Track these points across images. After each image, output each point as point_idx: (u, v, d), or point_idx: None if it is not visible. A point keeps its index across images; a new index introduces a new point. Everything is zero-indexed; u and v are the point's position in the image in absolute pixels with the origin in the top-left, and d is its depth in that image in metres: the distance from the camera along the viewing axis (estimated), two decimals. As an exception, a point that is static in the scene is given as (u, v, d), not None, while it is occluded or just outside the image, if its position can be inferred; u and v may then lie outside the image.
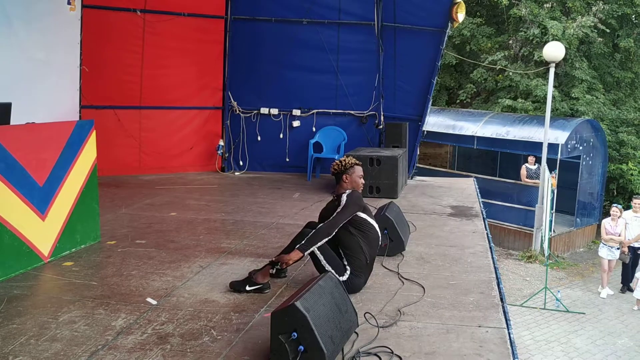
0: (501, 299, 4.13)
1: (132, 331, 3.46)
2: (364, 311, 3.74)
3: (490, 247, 5.44)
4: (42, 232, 4.66)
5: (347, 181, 4.28)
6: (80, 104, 8.09)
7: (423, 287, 4.29)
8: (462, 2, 7.68)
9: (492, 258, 5.12)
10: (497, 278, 4.58)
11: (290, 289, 4.24)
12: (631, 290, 10.05)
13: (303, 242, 3.99)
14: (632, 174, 14.57)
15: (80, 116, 8.02)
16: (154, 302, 3.93)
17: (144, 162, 9.12)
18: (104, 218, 5.67)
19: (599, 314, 9.43)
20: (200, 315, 3.71)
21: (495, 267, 4.85)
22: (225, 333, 3.46)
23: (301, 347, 2.93)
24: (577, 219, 13.78)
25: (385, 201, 7.22)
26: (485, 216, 6.76)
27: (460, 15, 7.61)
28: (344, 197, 4.15)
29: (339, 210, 4.10)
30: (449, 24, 8.11)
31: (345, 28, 9.05)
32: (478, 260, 5.03)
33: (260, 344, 3.31)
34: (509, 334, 3.57)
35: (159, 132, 9.16)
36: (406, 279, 4.46)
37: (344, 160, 4.30)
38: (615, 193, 15.67)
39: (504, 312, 3.90)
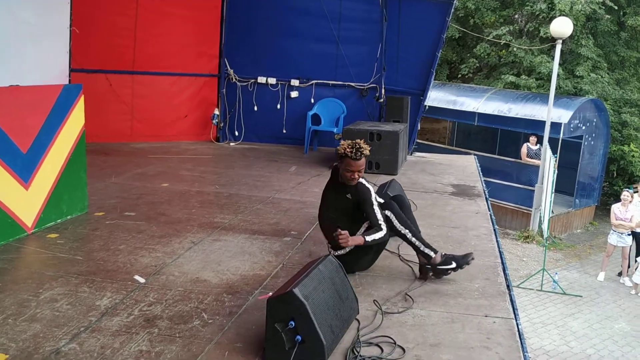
0: (507, 287, 3.94)
1: (117, 312, 3.24)
2: (364, 295, 3.55)
3: (494, 230, 5.24)
4: (25, 201, 4.42)
5: (340, 168, 3.89)
6: (70, 67, 7.77)
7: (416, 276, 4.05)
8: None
9: (497, 241, 4.92)
10: (503, 264, 4.38)
11: (286, 269, 4.04)
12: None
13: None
14: (633, 156, 14.34)
15: (69, 80, 7.71)
16: (142, 280, 3.71)
17: (135, 129, 8.84)
18: (92, 187, 5.41)
19: (596, 297, 9.32)
20: (190, 296, 3.50)
21: (500, 252, 4.65)
22: (217, 317, 3.25)
23: (298, 337, 2.72)
24: (576, 200, 13.60)
25: (384, 177, 7.03)
26: (487, 196, 6.56)
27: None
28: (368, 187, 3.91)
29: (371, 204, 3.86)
30: (456, -6, 7.79)
31: (348, -5, 8.70)
32: (482, 244, 4.83)
33: (255, 330, 3.11)
34: (517, 324, 3.39)
35: (152, 99, 8.85)
36: (408, 261, 4.25)
37: (343, 147, 3.83)
38: (615, 175, 15.48)
39: (512, 301, 3.71)
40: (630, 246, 10.04)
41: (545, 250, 10.13)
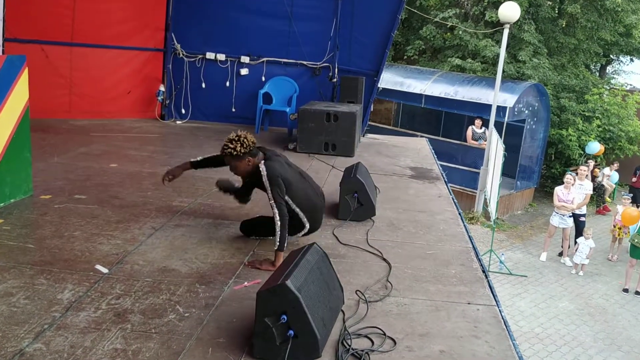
0: (484, 272, 3.91)
1: (83, 306, 2.96)
2: (344, 284, 3.40)
3: (460, 214, 5.22)
4: (-35, 184, 4.00)
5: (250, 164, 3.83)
6: (3, 36, 7.15)
7: (389, 263, 3.89)
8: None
9: (464, 226, 4.91)
10: (474, 249, 4.36)
11: (258, 256, 3.83)
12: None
13: (278, 242, 3.58)
14: (570, 140, 14.83)
15: (2, 50, 7.10)
16: (104, 270, 3.42)
17: (75, 105, 8.29)
18: (34, 167, 4.96)
19: (539, 277, 9.61)
20: (161, 287, 3.25)
21: (469, 237, 4.63)
22: (193, 309, 3.03)
23: (291, 332, 2.54)
24: (518, 182, 13.97)
25: (341, 159, 6.92)
26: (446, 180, 6.55)
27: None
28: (264, 177, 3.71)
29: (269, 190, 3.69)
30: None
31: (303, -29, 8.43)
32: (450, 228, 4.80)
33: (236, 323, 2.91)
34: (500, 311, 3.36)
35: (92, 73, 8.31)
36: (376, 251, 4.09)
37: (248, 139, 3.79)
38: (553, 158, 15.98)
39: (490, 287, 3.69)
40: (571, 227, 10.39)
41: (493, 231, 10.32)
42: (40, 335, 2.66)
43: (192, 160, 4.32)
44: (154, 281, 3.32)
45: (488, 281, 3.76)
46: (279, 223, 3.60)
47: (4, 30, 7.10)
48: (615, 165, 14.95)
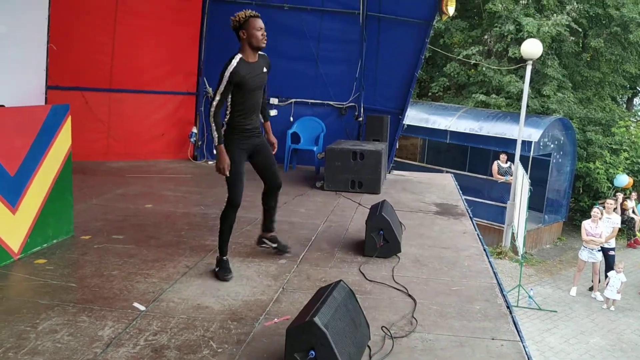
0: (508, 308, 3.98)
1: (122, 342, 3.14)
2: (369, 319, 3.52)
3: (485, 250, 5.30)
4: (12, 226, 4.26)
5: (244, 37, 4.12)
6: (46, 84, 7.56)
7: (414, 299, 4.02)
8: (453, -6, 7.47)
9: (490, 262, 4.97)
10: (499, 285, 4.43)
11: (287, 293, 4.00)
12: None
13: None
14: (598, 173, 14.79)
15: (46, 99, 7.51)
16: (142, 307, 3.61)
17: (112, 147, 8.65)
18: (74, 209, 5.23)
19: (570, 312, 9.50)
20: (195, 324, 3.42)
21: (494, 272, 4.70)
22: (226, 345, 3.18)
23: (319, 367, 2.68)
24: (545, 216, 13.91)
25: (367, 196, 7.07)
26: (472, 215, 6.63)
27: (451, 9, 7.39)
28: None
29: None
30: (438, 16, 7.92)
31: (328, 16, 8.74)
32: (475, 264, 4.88)
33: (266, 359, 3.05)
34: (524, 347, 3.42)
35: (128, 117, 8.68)
36: (401, 287, 4.21)
37: (239, 15, 4.09)
38: (581, 191, 15.90)
39: (514, 322, 3.75)
40: (600, 262, 10.29)
41: (522, 266, 10.29)
42: (84, 370, 2.84)
43: (218, 142, 4.68)
44: (188, 318, 3.49)
45: (512, 317, 3.82)
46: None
47: (47, 79, 7.55)
48: (634, 195, 14.77)
